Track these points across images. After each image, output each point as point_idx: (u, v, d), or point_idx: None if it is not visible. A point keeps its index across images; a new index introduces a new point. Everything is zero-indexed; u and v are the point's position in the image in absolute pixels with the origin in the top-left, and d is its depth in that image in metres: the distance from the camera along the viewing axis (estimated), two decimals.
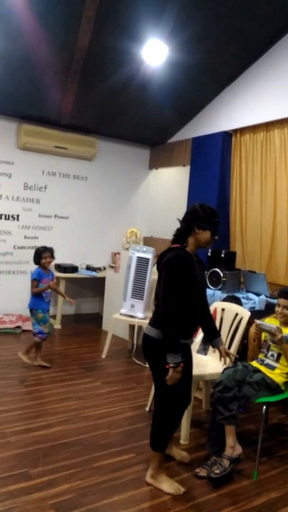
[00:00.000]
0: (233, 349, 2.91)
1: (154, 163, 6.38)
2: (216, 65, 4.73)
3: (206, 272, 4.57)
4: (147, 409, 3.18)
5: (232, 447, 2.43)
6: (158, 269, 2.25)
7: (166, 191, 6.14)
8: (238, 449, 2.45)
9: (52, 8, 3.66)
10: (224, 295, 4.02)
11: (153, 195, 6.39)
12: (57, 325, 5.20)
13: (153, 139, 6.13)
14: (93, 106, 5.05)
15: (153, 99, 5.05)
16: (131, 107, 5.20)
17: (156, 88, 4.84)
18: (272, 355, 2.65)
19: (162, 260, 2.21)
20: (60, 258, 5.29)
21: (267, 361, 2.66)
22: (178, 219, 2.34)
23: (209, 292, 4.25)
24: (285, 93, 4.44)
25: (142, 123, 5.59)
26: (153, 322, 2.25)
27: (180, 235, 2.27)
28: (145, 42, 4.13)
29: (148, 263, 4.27)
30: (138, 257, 4.31)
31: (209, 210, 2.27)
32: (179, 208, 5.74)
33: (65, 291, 5.18)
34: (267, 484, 2.38)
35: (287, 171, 4.52)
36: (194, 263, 2.23)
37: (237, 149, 5.12)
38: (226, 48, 4.47)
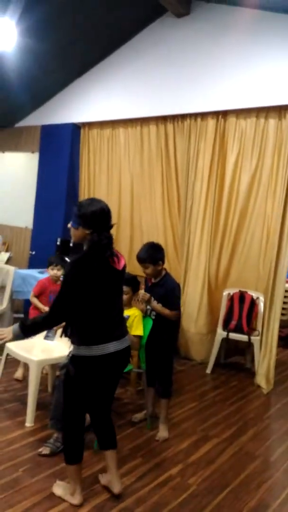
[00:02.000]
0: None
1: (0, 147, 6.13)
2: (67, 55, 4.80)
3: None
4: None
5: None
6: (121, 273, 2.13)
7: (14, 176, 5.98)
8: None
9: None
10: None
11: None
12: None
13: None
14: None
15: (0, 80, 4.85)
16: None
17: (3, 69, 4.65)
18: None
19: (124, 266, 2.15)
20: None
21: None
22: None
23: None
24: (128, 95, 4.79)
25: None
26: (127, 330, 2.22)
27: None
28: None
29: None
30: None
31: None
32: (28, 194, 5.68)
33: None
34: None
35: (130, 168, 4.91)
36: None
37: (85, 142, 5.31)
38: (76, 40, 4.58)
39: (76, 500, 2.13)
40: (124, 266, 2.14)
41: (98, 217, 2.02)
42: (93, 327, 2.04)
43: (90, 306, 2.01)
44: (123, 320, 2.21)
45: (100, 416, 2.26)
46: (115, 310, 2.12)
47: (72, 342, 2.10)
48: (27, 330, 2.12)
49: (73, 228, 2.08)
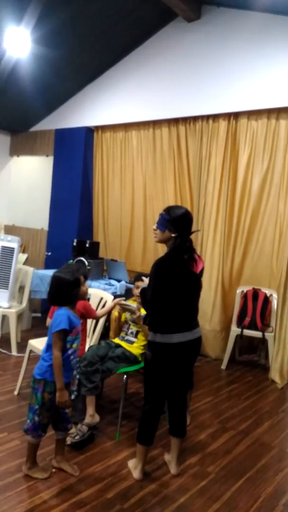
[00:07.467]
0: (98, 329, 3.24)
1: (16, 150, 6.30)
2: (79, 61, 4.94)
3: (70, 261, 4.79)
4: (15, 393, 3.29)
5: (92, 415, 2.76)
6: (198, 276, 2.31)
7: (29, 179, 6.14)
8: (97, 418, 2.78)
9: None
10: (90, 282, 4.30)
11: (15, 183, 6.31)
12: None
13: (14, 125, 6.04)
14: None
15: (15, 86, 5.00)
16: None
17: (19, 75, 4.81)
18: (131, 332, 3.05)
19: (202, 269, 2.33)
20: None
21: (127, 337, 3.05)
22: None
23: None
24: (140, 98, 4.90)
25: (1, 108, 5.46)
26: (197, 323, 2.41)
27: None
28: (5, 30, 4.09)
29: (13, 252, 4.29)
30: (2, 246, 4.29)
31: None
32: (43, 197, 5.83)
33: None
34: (127, 441, 2.76)
35: (142, 170, 5.02)
36: None
37: (98, 145, 5.44)
38: (89, 46, 4.71)
39: (135, 474, 2.39)
40: (202, 269, 2.33)
41: (185, 223, 2.28)
42: (167, 319, 2.26)
43: (167, 300, 2.24)
44: (196, 314, 2.39)
45: (174, 402, 2.45)
46: (188, 306, 2.32)
47: (149, 329, 2.32)
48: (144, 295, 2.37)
49: (159, 230, 2.31)
